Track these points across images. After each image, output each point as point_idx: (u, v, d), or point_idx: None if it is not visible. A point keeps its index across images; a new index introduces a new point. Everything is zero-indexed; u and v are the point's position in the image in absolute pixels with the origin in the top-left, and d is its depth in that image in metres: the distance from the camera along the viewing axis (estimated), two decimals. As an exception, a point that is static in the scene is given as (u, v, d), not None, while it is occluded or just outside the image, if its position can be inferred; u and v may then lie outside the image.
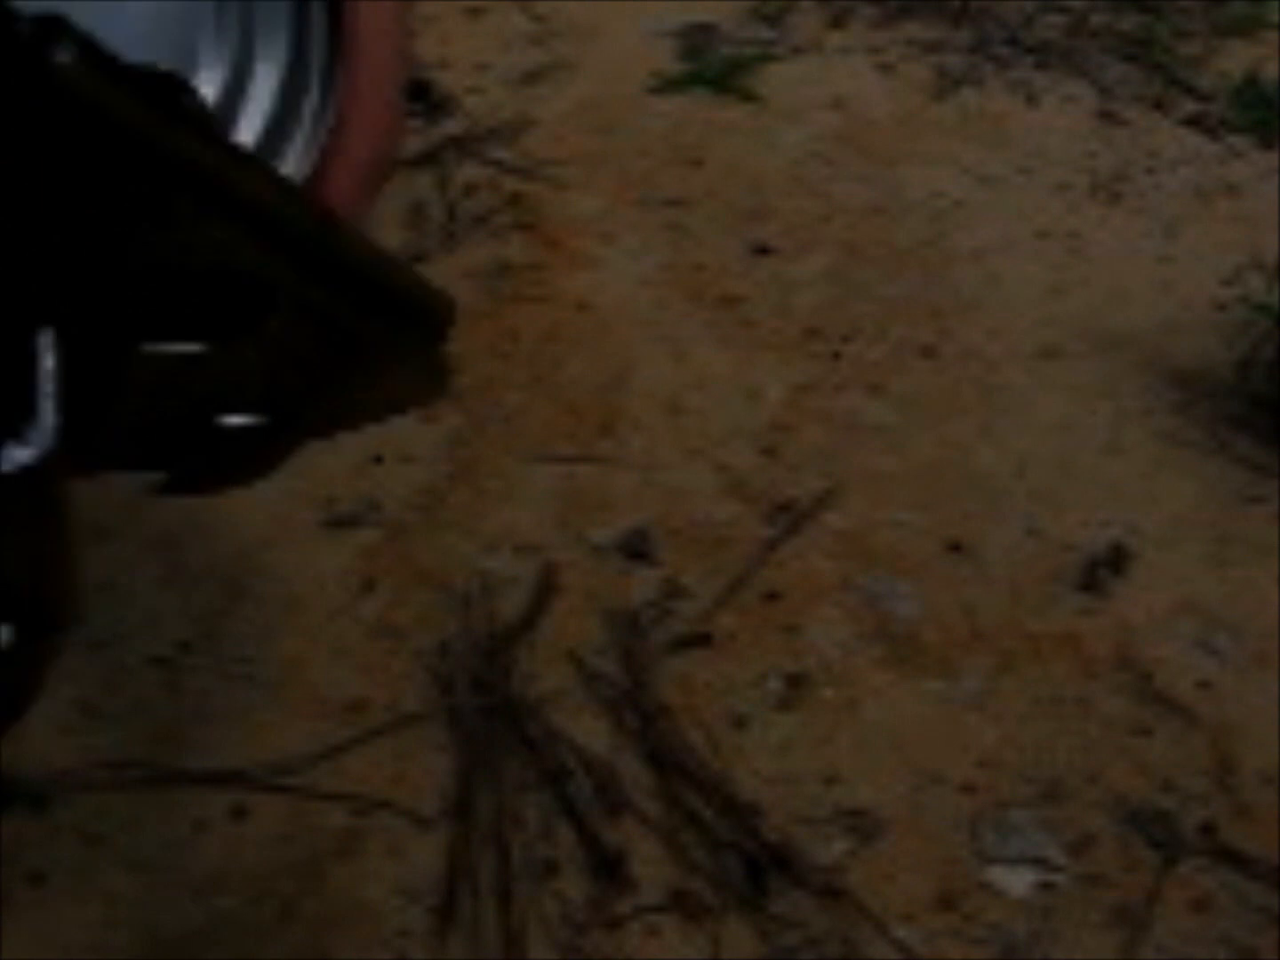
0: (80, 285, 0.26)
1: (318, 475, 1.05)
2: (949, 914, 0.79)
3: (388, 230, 1.30)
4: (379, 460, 1.07)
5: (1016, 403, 1.13)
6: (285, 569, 0.98)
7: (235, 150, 0.29)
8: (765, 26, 1.62)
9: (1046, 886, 0.81)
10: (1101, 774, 0.87)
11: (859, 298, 1.23)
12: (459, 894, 0.79)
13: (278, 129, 0.34)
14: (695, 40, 1.59)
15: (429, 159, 1.39)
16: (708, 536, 1.01)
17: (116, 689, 0.90)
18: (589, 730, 0.88)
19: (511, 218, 1.32)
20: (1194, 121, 1.48)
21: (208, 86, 0.34)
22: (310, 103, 0.35)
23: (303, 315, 0.30)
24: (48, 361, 0.26)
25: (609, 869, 0.80)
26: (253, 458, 0.32)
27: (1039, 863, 0.82)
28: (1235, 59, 1.58)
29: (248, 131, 0.34)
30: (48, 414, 0.26)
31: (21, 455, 0.25)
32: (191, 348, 0.28)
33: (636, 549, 1.00)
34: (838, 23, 1.63)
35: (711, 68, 1.53)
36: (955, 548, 1.01)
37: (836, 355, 1.17)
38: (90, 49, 0.24)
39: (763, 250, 1.29)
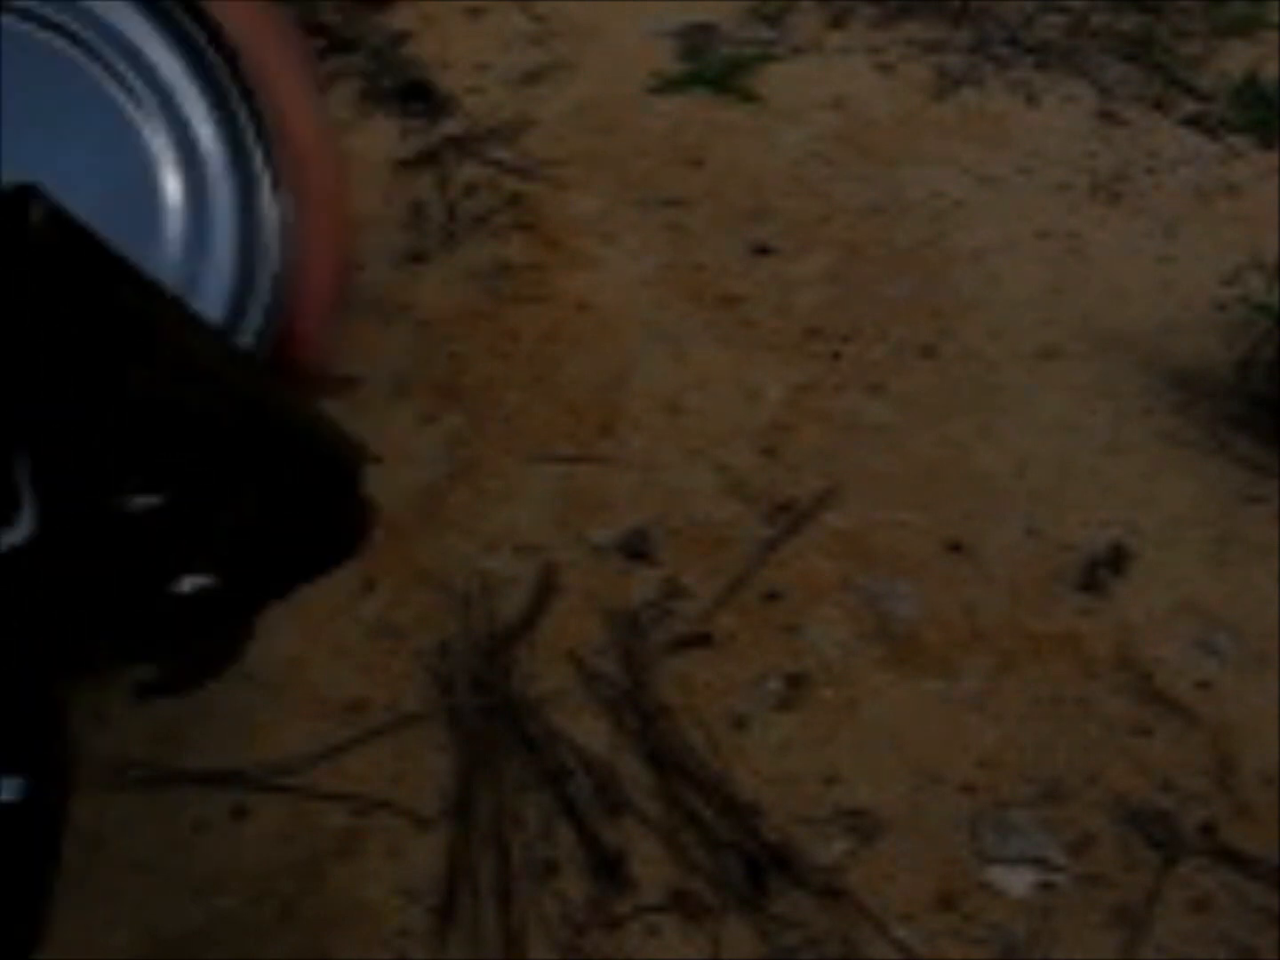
0: (48, 424, 0.28)
1: (318, 475, 1.05)
2: (949, 914, 0.79)
3: (388, 230, 1.30)
4: (379, 460, 1.07)
5: (1016, 403, 1.13)
6: (285, 569, 0.98)
7: (185, 310, 0.30)
8: (765, 26, 1.62)
9: (1046, 886, 0.81)
10: (1101, 774, 0.87)
11: (859, 298, 1.23)
12: (459, 894, 0.79)
13: (238, 288, 0.35)
14: (695, 40, 1.59)
15: (429, 159, 1.40)
16: (708, 536, 1.01)
17: (116, 689, 0.90)
18: (589, 730, 0.88)
19: (511, 218, 1.32)
20: (1194, 121, 1.48)
21: (168, 251, 0.35)
22: (267, 258, 0.36)
23: (242, 472, 0.31)
24: (26, 464, 0.28)
25: (609, 869, 0.80)
26: (214, 627, 0.33)
27: (1039, 863, 0.82)
28: (1235, 59, 1.58)
29: (210, 293, 0.35)
30: (30, 502, 0.28)
31: (11, 536, 0.28)
32: (152, 500, 0.29)
33: (636, 549, 1.00)
34: (838, 23, 1.63)
35: (711, 68, 1.53)
36: (955, 548, 1.01)
37: (836, 355, 1.17)
38: (59, 212, 0.27)
39: (763, 250, 1.29)
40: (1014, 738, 0.89)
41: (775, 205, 1.34)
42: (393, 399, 1.12)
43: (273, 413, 0.32)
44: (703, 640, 0.94)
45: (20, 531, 0.28)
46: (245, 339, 0.35)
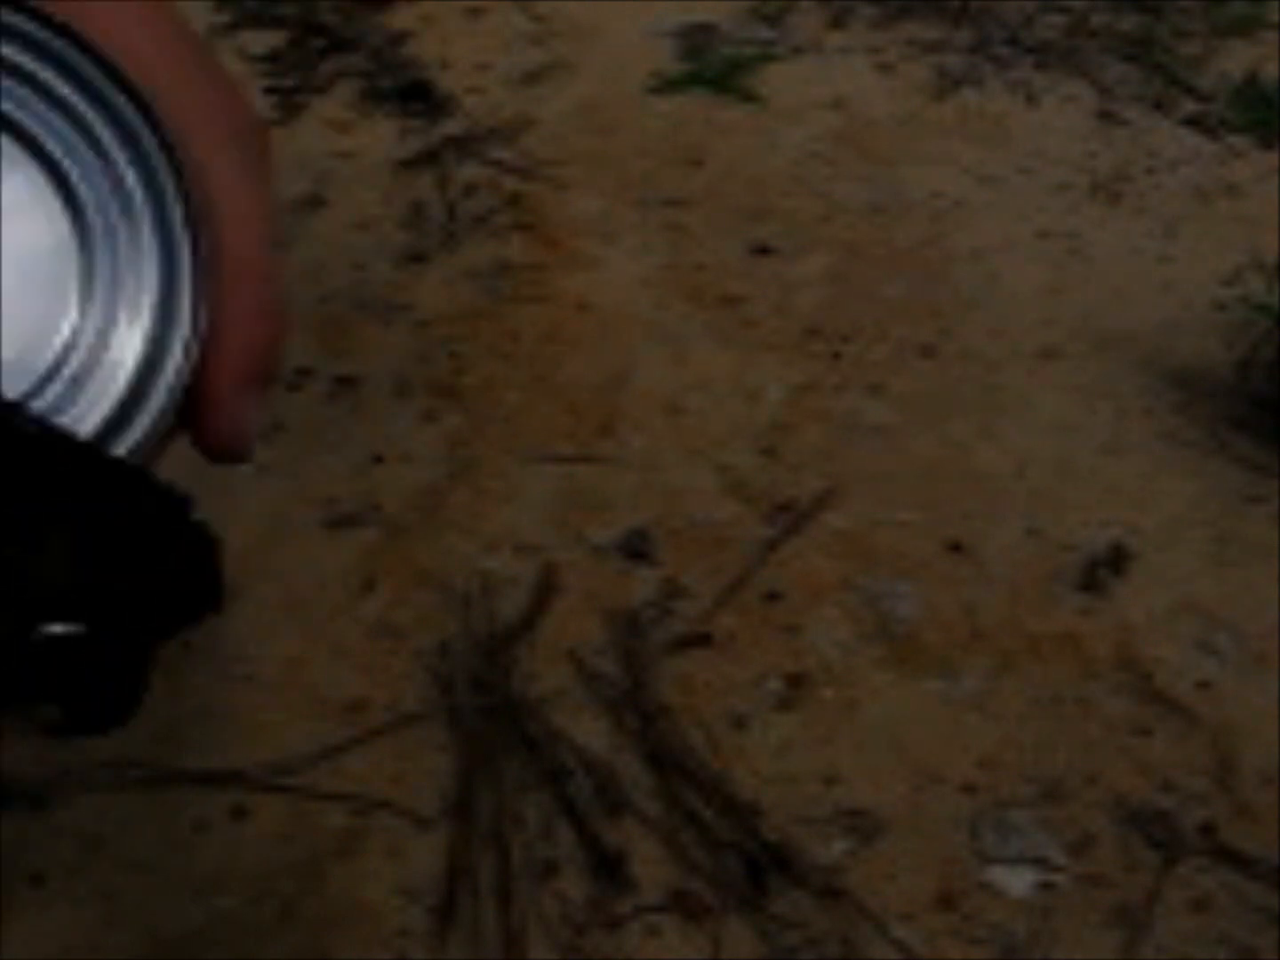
0: None
1: (318, 475, 1.05)
2: (949, 914, 0.79)
3: (388, 230, 1.30)
4: (379, 460, 1.07)
5: (1016, 403, 1.13)
6: (285, 569, 0.98)
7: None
8: (765, 26, 1.62)
9: (1046, 886, 0.81)
10: (1101, 774, 0.87)
11: (859, 298, 1.24)
12: (459, 894, 0.79)
13: (152, 350, 0.35)
14: (695, 40, 1.59)
15: (429, 159, 1.40)
16: (708, 536, 1.01)
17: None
18: (589, 730, 0.88)
19: (511, 218, 1.32)
20: (1194, 121, 1.48)
21: (81, 317, 0.35)
22: (180, 323, 0.36)
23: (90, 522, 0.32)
24: None
25: (609, 869, 0.80)
26: (89, 672, 0.34)
27: (1039, 863, 0.82)
28: (1235, 59, 1.58)
29: (121, 361, 0.35)
30: None
31: None
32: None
33: (636, 549, 1.00)
34: (838, 23, 1.63)
35: (711, 68, 1.53)
36: (955, 548, 1.01)
37: (836, 355, 1.17)
38: None
39: (763, 250, 1.29)
40: (1014, 738, 0.89)
41: (775, 205, 1.34)
42: (393, 399, 1.12)
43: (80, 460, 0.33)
44: (703, 640, 0.94)
45: None
46: (154, 402, 0.35)
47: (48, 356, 0.35)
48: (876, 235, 1.31)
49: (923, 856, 0.82)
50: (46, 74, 0.35)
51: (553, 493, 1.04)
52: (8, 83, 0.35)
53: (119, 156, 0.36)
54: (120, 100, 0.35)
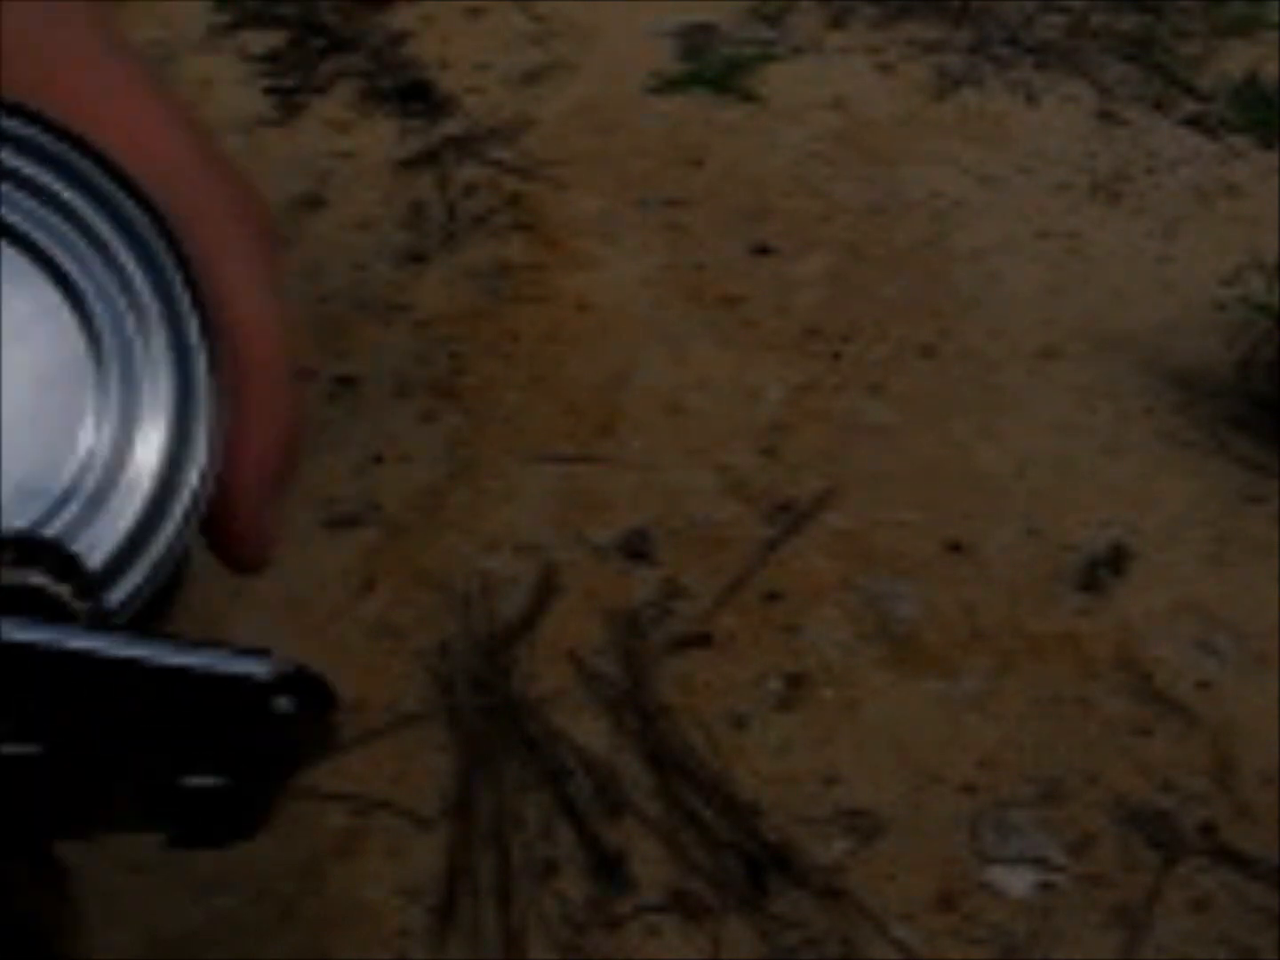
0: None
1: (318, 475, 1.05)
2: (949, 914, 0.79)
3: (388, 230, 1.30)
4: (379, 460, 1.07)
5: (1016, 403, 1.13)
6: (285, 569, 0.98)
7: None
8: (765, 26, 1.62)
9: (1046, 886, 0.81)
10: (1101, 774, 0.87)
11: (859, 298, 1.23)
12: (459, 894, 0.79)
13: (170, 467, 0.35)
14: (695, 40, 1.59)
15: (429, 159, 1.40)
16: (708, 536, 1.01)
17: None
18: (589, 730, 0.88)
19: (511, 218, 1.32)
20: (1194, 121, 1.48)
21: (97, 435, 0.35)
22: (198, 438, 0.35)
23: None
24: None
25: (609, 869, 0.80)
26: (223, 813, 0.35)
27: (1039, 863, 0.82)
28: (1235, 59, 1.58)
29: (139, 480, 0.35)
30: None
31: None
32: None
33: (636, 549, 1.00)
34: (838, 23, 1.63)
35: (711, 68, 1.53)
36: (955, 548, 1.01)
37: (836, 355, 1.17)
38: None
39: (763, 250, 1.29)
40: (1014, 738, 0.89)
41: (775, 205, 1.34)
42: (393, 399, 1.12)
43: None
44: (703, 640, 0.94)
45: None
46: (173, 521, 0.35)
47: (64, 478, 0.34)
48: (876, 235, 1.31)
49: (923, 856, 0.82)
50: (58, 186, 0.35)
51: (553, 493, 1.04)
52: (18, 195, 0.34)
53: (134, 270, 0.35)
54: (135, 213, 0.35)
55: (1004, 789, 0.86)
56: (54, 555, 0.33)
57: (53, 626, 0.31)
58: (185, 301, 0.35)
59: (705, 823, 0.83)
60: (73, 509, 0.34)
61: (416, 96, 1.49)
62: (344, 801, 0.84)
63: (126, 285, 0.35)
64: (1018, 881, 0.81)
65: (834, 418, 1.11)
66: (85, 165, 0.34)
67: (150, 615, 0.38)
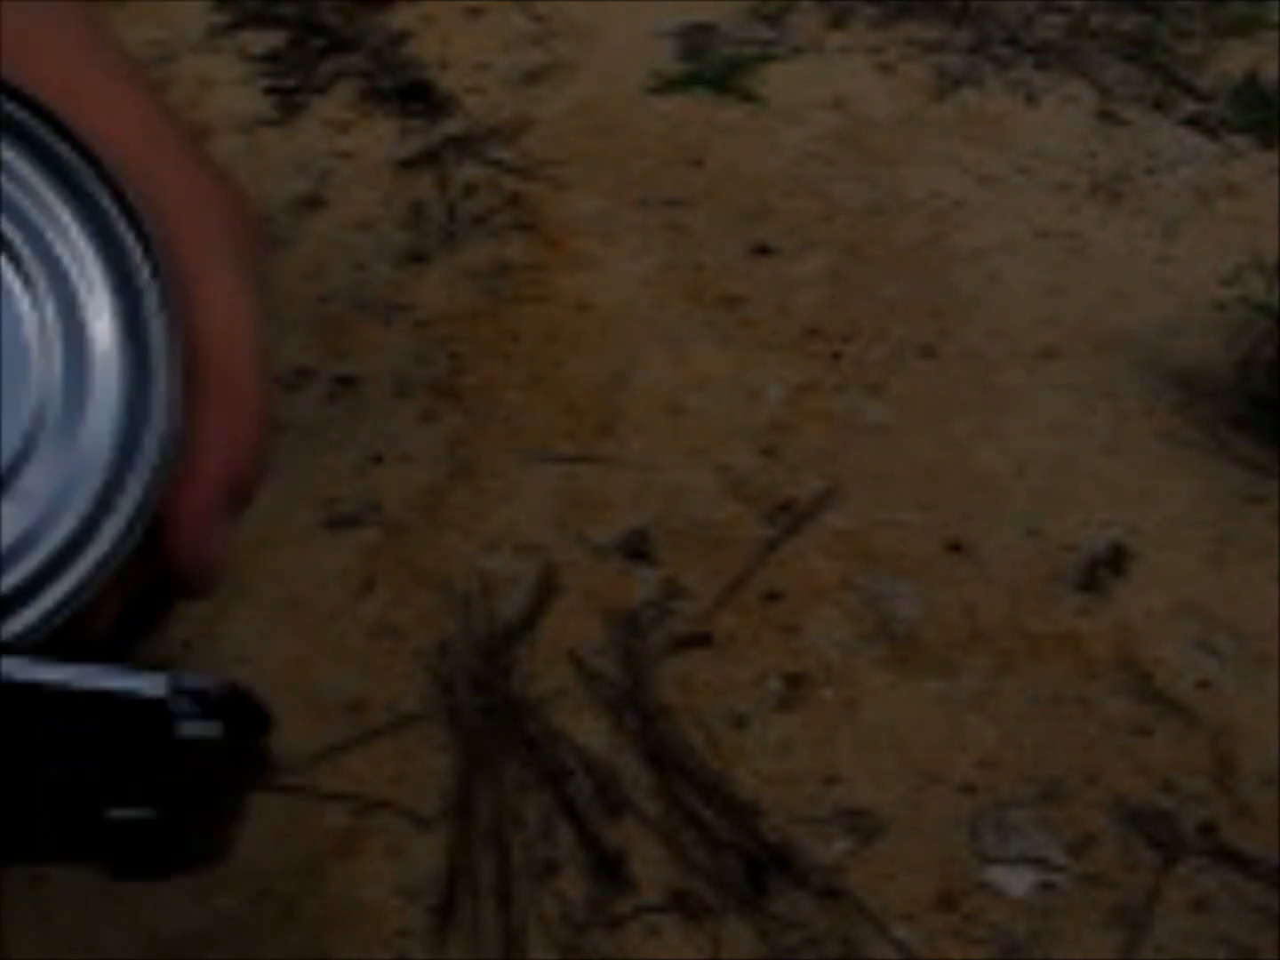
0: None
1: (318, 475, 1.05)
2: (949, 914, 0.79)
3: (388, 230, 1.30)
4: (379, 460, 1.07)
5: (1016, 403, 1.13)
6: (285, 569, 0.98)
7: None
8: (765, 26, 1.62)
9: (1046, 886, 0.81)
10: (1101, 774, 0.87)
11: (859, 298, 1.24)
12: (459, 894, 0.79)
13: (121, 458, 0.34)
14: (695, 40, 1.59)
15: (429, 159, 1.40)
16: (708, 536, 1.01)
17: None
18: (589, 730, 0.88)
19: (511, 218, 1.32)
20: (1194, 121, 1.48)
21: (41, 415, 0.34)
22: (153, 427, 0.34)
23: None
24: None
25: (609, 869, 0.80)
26: (156, 844, 0.35)
27: (1039, 863, 0.82)
28: (1235, 59, 1.58)
29: (97, 452, 0.34)
30: None
31: None
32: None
33: (636, 549, 1.00)
34: (838, 23, 1.63)
35: (711, 68, 1.53)
36: (955, 548, 1.01)
37: (836, 355, 1.17)
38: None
39: (763, 250, 1.29)
40: (1014, 738, 0.89)
41: (775, 205, 1.34)
42: (393, 399, 1.12)
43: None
44: (703, 640, 0.94)
45: None
46: (120, 518, 0.34)
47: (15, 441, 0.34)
48: (876, 235, 1.31)
49: (923, 856, 0.82)
50: (18, 160, 0.34)
51: (553, 492, 1.04)
52: None
53: (87, 247, 0.34)
54: (95, 187, 0.34)
55: (1004, 789, 0.86)
56: None
57: None
58: (147, 286, 0.34)
59: (705, 823, 0.83)
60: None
61: (416, 96, 1.49)
62: (344, 801, 0.84)
63: (80, 261, 0.34)
64: (1018, 881, 0.81)
65: (834, 418, 1.11)
66: (50, 138, 0.34)
67: (128, 631, 0.38)
